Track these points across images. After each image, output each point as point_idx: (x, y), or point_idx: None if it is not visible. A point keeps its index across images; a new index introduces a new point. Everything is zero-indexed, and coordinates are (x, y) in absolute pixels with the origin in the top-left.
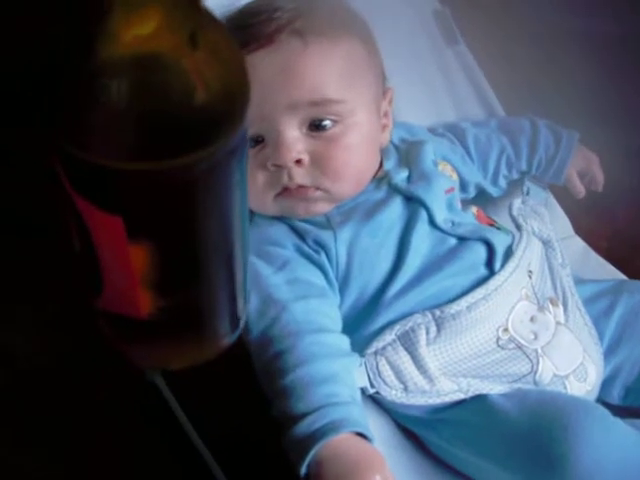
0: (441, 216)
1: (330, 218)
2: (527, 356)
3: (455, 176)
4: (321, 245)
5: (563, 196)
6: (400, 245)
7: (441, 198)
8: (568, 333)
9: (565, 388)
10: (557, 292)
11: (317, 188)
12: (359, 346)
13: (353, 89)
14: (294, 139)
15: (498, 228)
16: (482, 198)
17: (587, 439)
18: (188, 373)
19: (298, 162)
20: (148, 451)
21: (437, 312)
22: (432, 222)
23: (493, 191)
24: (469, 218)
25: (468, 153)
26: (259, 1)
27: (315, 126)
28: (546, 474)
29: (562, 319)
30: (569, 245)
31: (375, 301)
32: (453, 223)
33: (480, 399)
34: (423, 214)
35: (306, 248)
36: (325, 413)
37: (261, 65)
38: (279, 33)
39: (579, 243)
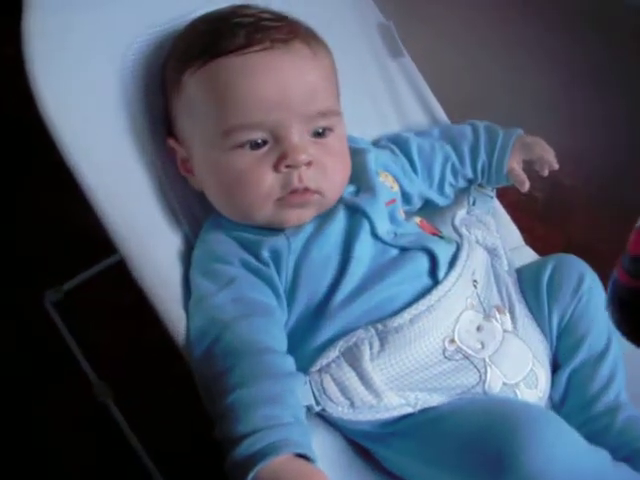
0: (383, 227)
1: (286, 229)
2: (475, 366)
3: (396, 187)
4: (275, 254)
5: (517, 206)
6: (344, 256)
7: (383, 210)
8: (516, 340)
9: (516, 396)
10: (503, 300)
11: (316, 192)
12: (305, 362)
13: (338, 100)
14: (306, 143)
15: (442, 237)
16: (430, 208)
17: (538, 441)
18: (138, 395)
19: (308, 164)
20: (98, 471)
21: (380, 326)
22: (374, 233)
23: (440, 200)
24: (412, 228)
25: (412, 163)
26: (236, 8)
27: (317, 134)
28: (497, 476)
29: (509, 327)
30: (519, 255)
31: (320, 312)
32: (396, 234)
33: (428, 409)
34: (366, 225)
35: (254, 263)
36: (265, 435)
37: (279, 65)
38: (294, 38)
39: (529, 252)
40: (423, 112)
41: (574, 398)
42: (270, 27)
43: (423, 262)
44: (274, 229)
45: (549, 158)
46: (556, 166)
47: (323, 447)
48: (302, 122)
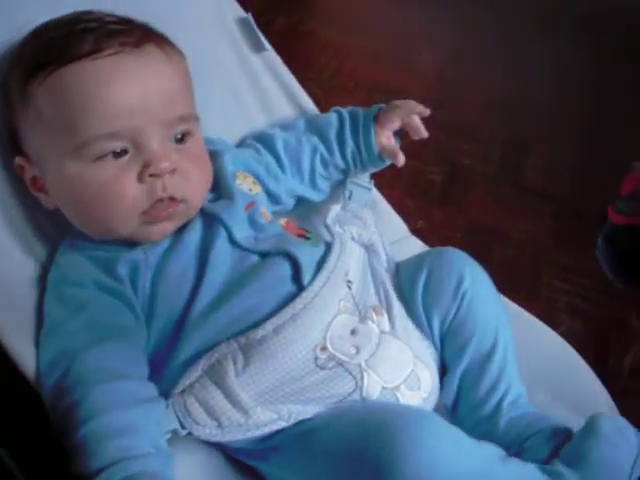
0: (241, 233)
1: (143, 243)
2: (350, 373)
3: (257, 189)
4: (132, 270)
5: (414, 192)
6: (200, 266)
7: (241, 215)
8: (395, 341)
9: (397, 400)
10: (381, 299)
11: (181, 200)
12: (169, 383)
13: (194, 104)
14: (168, 150)
15: (308, 238)
16: (306, 205)
17: (417, 445)
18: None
19: (172, 172)
20: None
21: (242, 339)
22: (232, 240)
23: (314, 196)
24: (275, 231)
25: (279, 160)
26: (80, 14)
27: (178, 139)
28: None
29: (387, 327)
30: (404, 246)
31: (180, 328)
32: (256, 239)
33: (303, 422)
34: (222, 232)
35: (109, 283)
36: (122, 467)
37: (134, 70)
38: (146, 42)
39: (416, 243)
40: (290, 105)
41: (465, 401)
42: (120, 31)
43: (285, 267)
44: (132, 243)
45: (415, 123)
46: (424, 133)
47: (202, 467)
48: (162, 128)
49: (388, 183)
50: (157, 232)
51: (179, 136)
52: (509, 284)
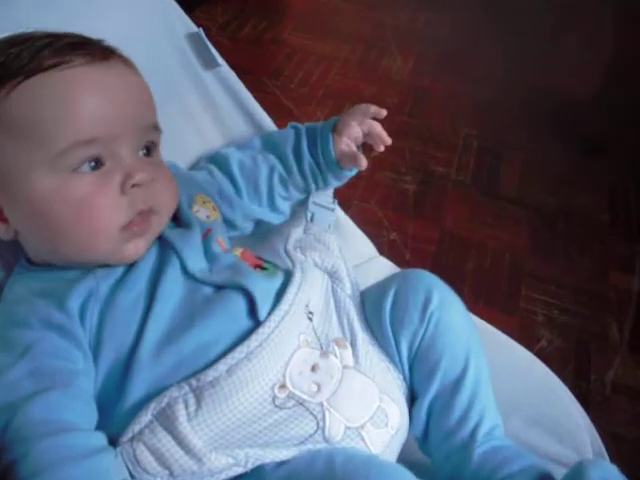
0: (195, 263)
1: (96, 271)
2: (310, 412)
3: (216, 214)
4: (84, 302)
5: (388, 204)
6: (149, 298)
7: (197, 245)
8: (359, 376)
9: (363, 440)
10: (344, 330)
11: (157, 213)
12: (117, 429)
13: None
14: (143, 160)
15: (266, 268)
16: (266, 229)
17: None
18: None
19: (152, 181)
20: None
21: (193, 382)
22: (185, 271)
23: (273, 218)
24: (230, 261)
25: (234, 182)
26: (41, 32)
27: (145, 153)
28: None
29: (350, 361)
30: (373, 267)
31: (129, 368)
32: (211, 270)
33: (259, 470)
34: (175, 261)
35: (57, 318)
36: None
37: (108, 78)
38: (111, 55)
39: (383, 263)
40: (246, 122)
41: (435, 430)
42: (87, 43)
43: (239, 302)
44: (87, 270)
45: (375, 130)
46: (387, 140)
47: None
48: (137, 136)
49: (362, 195)
50: (132, 249)
51: (145, 151)
52: (485, 296)
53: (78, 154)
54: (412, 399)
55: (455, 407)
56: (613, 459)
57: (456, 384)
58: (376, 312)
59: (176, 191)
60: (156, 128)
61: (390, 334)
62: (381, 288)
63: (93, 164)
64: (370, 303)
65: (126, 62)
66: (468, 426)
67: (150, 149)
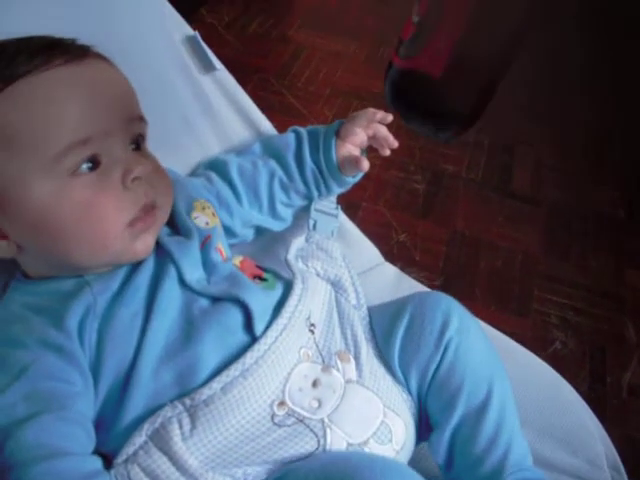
0: (192, 274)
1: (92, 285)
2: (311, 430)
3: (215, 220)
4: (82, 319)
5: (397, 205)
6: (147, 310)
7: (195, 254)
8: (362, 391)
9: None
10: (348, 343)
11: (159, 207)
12: (112, 450)
13: None
14: (136, 154)
15: (265, 279)
16: (268, 236)
17: None
18: None
19: (152, 172)
20: None
21: (187, 401)
22: (182, 281)
23: (274, 225)
24: (228, 271)
25: (233, 188)
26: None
27: (137, 144)
28: None
29: (353, 376)
30: (379, 274)
31: (127, 386)
32: (209, 281)
33: None
34: (172, 271)
35: (55, 337)
36: None
37: (92, 75)
38: (87, 54)
39: (389, 269)
40: (245, 126)
41: (460, 458)
42: (61, 43)
43: (235, 315)
44: (83, 281)
45: (381, 133)
46: (394, 143)
47: None
48: (126, 131)
49: (370, 196)
50: (142, 246)
51: (134, 145)
52: (497, 298)
53: (75, 155)
54: (424, 420)
55: (481, 434)
56: (629, 464)
57: (481, 410)
58: (387, 335)
59: (170, 182)
60: (142, 119)
61: (397, 359)
62: (395, 309)
63: (90, 164)
64: (382, 324)
65: (102, 58)
66: (496, 453)
67: (139, 142)
